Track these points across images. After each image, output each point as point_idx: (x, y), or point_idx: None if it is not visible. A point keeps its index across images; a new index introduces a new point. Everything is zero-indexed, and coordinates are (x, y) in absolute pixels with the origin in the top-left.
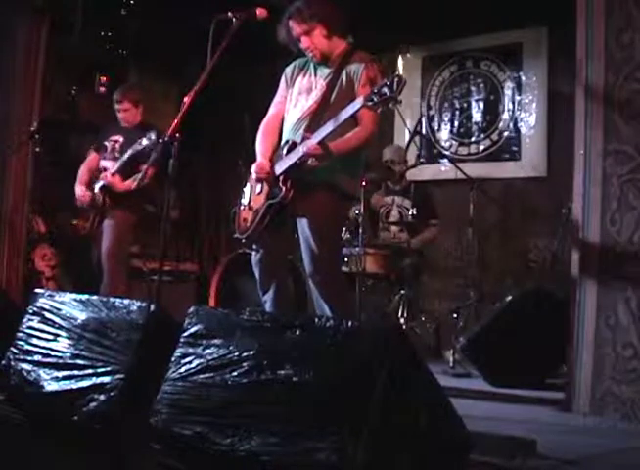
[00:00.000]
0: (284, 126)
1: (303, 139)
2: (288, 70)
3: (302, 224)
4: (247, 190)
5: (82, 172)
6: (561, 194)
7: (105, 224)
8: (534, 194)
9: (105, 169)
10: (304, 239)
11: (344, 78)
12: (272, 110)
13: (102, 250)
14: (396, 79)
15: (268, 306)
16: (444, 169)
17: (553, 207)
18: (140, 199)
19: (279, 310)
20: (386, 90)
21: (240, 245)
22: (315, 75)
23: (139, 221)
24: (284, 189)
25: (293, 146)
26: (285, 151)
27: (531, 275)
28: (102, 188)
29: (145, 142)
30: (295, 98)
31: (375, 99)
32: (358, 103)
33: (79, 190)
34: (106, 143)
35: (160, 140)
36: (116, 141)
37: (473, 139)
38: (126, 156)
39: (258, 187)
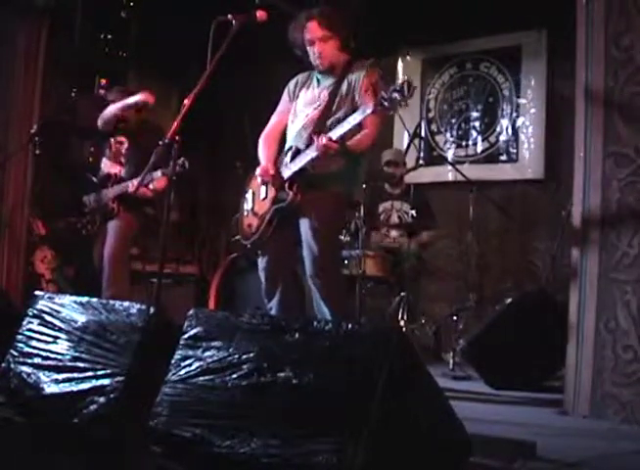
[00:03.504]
0: (287, 135)
1: (319, 134)
2: (291, 84)
3: (304, 225)
4: (249, 196)
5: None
6: (560, 196)
7: (109, 227)
8: (533, 196)
9: (110, 175)
10: (305, 240)
11: (345, 87)
12: (274, 119)
13: (104, 252)
14: (406, 84)
15: (274, 313)
16: (444, 172)
17: (552, 209)
18: (141, 202)
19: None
20: (396, 95)
21: (245, 250)
22: (318, 88)
23: (141, 224)
24: (291, 193)
25: (296, 152)
26: (289, 157)
27: (531, 278)
28: (117, 197)
29: (178, 169)
30: (298, 109)
31: (386, 104)
32: (369, 108)
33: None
34: (112, 140)
35: (160, 142)
36: (121, 142)
37: (471, 141)
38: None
39: (262, 192)
